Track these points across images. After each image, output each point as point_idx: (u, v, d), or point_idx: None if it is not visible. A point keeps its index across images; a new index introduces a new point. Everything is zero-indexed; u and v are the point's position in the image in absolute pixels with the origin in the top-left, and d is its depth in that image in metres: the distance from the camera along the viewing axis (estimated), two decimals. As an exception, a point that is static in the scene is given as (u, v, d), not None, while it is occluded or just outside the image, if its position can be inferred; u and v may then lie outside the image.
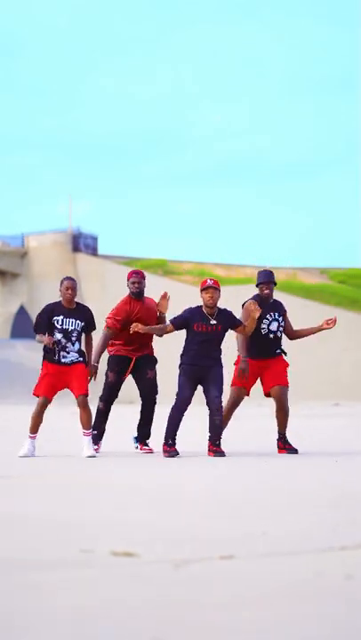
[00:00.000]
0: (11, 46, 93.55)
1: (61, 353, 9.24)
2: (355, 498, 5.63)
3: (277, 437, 9.53)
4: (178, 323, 9.24)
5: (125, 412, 15.64)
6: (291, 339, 9.76)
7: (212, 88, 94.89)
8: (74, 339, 9.25)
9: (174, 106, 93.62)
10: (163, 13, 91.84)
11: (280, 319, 9.51)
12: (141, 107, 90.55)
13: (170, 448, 9.14)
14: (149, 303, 9.79)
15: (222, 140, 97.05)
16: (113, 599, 2.93)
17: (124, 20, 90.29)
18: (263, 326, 9.43)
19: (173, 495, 5.91)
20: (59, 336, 9.22)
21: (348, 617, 2.75)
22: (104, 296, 47.43)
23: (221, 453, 9.04)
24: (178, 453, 9.09)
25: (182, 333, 9.42)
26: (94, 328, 9.45)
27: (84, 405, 9.15)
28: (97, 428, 9.76)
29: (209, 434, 9.18)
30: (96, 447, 9.63)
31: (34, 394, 9.26)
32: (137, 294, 9.70)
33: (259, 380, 9.61)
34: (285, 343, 9.73)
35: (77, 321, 9.28)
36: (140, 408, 9.93)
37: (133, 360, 9.71)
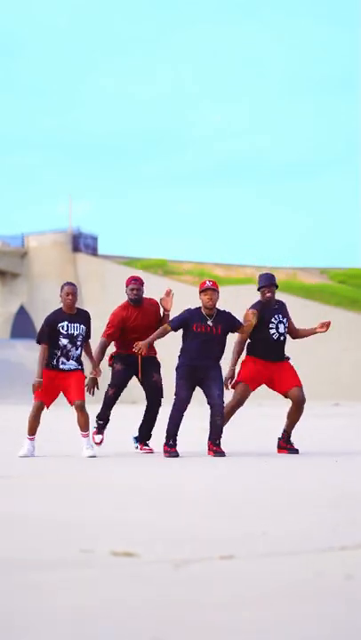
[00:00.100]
0: (11, 46, 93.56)
1: (61, 359, 9.26)
2: (355, 498, 5.63)
3: (281, 436, 9.49)
4: (176, 323, 9.24)
5: (128, 412, 15.64)
6: (293, 338, 9.77)
7: (212, 88, 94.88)
8: (78, 343, 9.28)
9: (174, 106, 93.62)
10: (163, 13, 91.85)
11: (285, 320, 9.51)
12: (141, 107, 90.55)
13: (170, 449, 9.14)
14: (148, 307, 9.75)
15: (222, 139, 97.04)
16: (113, 599, 2.93)
17: (124, 20, 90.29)
18: (272, 331, 9.42)
19: (173, 495, 5.91)
20: (64, 342, 9.24)
21: (349, 617, 2.75)
22: (104, 296, 47.42)
23: (221, 453, 9.04)
24: (178, 455, 9.08)
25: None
26: (89, 337, 9.46)
27: (81, 409, 9.15)
28: (102, 415, 9.76)
29: (209, 433, 9.18)
30: (101, 438, 9.64)
31: (34, 397, 9.27)
32: (135, 301, 9.68)
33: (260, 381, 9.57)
34: (286, 343, 9.70)
35: (81, 325, 9.32)
36: (143, 409, 9.94)
37: (140, 359, 9.68)
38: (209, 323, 9.19)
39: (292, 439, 9.58)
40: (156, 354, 9.85)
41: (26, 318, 51.63)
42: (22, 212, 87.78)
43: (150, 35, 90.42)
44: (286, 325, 9.52)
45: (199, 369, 9.18)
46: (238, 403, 9.48)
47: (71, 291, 9.33)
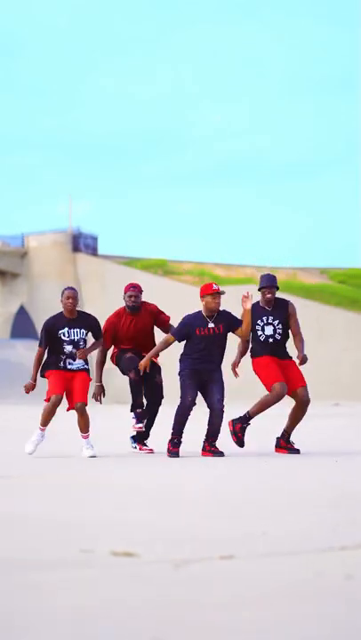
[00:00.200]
0: (11, 46, 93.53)
1: (68, 360, 9.27)
2: (355, 498, 5.62)
3: (281, 435, 9.45)
4: (180, 334, 9.17)
5: (126, 411, 15.60)
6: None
7: (212, 88, 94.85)
8: (82, 346, 9.28)
9: (174, 106, 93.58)
10: (163, 13, 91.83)
11: (276, 322, 9.40)
12: (141, 107, 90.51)
13: (173, 448, 9.11)
14: (145, 313, 9.70)
15: (222, 139, 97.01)
16: (113, 599, 2.93)
17: (124, 20, 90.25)
18: (259, 332, 9.36)
19: (173, 495, 5.90)
20: (69, 348, 9.24)
21: (349, 617, 2.75)
22: (104, 296, 47.40)
23: (220, 453, 9.03)
24: (178, 455, 9.06)
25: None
26: (101, 336, 9.46)
27: (82, 412, 9.15)
28: (134, 403, 9.64)
29: (206, 434, 9.15)
30: (140, 425, 9.60)
31: (45, 400, 9.20)
32: (132, 308, 9.66)
33: (251, 380, 9.55)
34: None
35: (81, 330, 9.30)
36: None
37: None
38: (210, 325, 9.18)
39: (292, 439, 9.56)
40: (156, 357, 9.83)
41: (26, 318, 51.53)
42: (22, 211, 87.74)
43: (150, 35, 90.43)
44: (279, 327, 9.41)
45: (202, 372, 9.14)
46: (277, 399, 9.21)
47: (71, 295, 9.29)
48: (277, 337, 9.39)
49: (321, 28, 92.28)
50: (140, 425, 9.67)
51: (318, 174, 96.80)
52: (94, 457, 9.06)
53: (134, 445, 9.87)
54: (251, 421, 9.40)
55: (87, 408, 9.25)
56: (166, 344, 9.23)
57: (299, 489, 6.18)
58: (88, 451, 9.11)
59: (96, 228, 75.12)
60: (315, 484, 6.55)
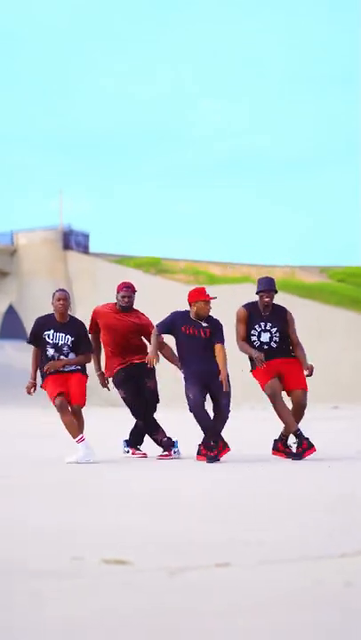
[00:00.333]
0: (11, 46, 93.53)
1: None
2: (354, 503, 5.56)
3: (279, 438, 9.27)
4: (164, 324, 9.09)
5: (120, 416, 15.54)
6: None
7: (212, 87, 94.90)
8: (65, 351, 9.12)
9: (174, 105, 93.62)
10: (163, 13, 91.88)
11: (273, 330, 9.22)
12: (141, 106, 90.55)
13: (210, 452, 8.83)
14: (134, 316, 9.58)
15: (222, 139, 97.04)
16: (105, 608, 2.86)
17: (124, 20, 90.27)
18: (253, 338, 9.22)
19: (169, 500, 5.84)
20: (51, 351, 9.12)
21: (348, 625, 2.70)
22: (95, 294, 46.79)
23: (215, 459, 8.84)
24: (219, 460, 8.80)
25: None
26: (88, 348, 9.27)
27: (78, 415, 9.03)
28: (155, 440, 9.56)
29: (204, 438, 8.95)
30: (140, 452, 9.58)
31: (52, 401, 9.05)
32: (125, 308, 9.57)
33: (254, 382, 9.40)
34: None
35: (67, 335, 9.13)
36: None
37: (135, 364, 9.55)
38: (204, 324, 9.04)
39: (290, 442, 9.45)
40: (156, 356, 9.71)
41: (15, 318, 50.33)
42: (11, 208, 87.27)
43: (150, 34, 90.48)
44: (276, 335, 9.21)
45: (205, 373, 8.97)
46: (275, 398, 9.13)
47: (62, 296, 9.16)
48: (273, 345, 9.20)
49: (321, 27, 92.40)
50: (139, 452, 9.60)
51: (318, 173, 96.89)
52: (76, 463, 8.78)
53: (127, 449, 9.74)
54: (288, 436, 9.21)
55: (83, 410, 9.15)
56: (156, 337, 9.11)
57: (297, 494, 6.12)
58: (71, 457, 8.86)
59: (87, 226, 74.72)
60: (313, 488, 6.48)
